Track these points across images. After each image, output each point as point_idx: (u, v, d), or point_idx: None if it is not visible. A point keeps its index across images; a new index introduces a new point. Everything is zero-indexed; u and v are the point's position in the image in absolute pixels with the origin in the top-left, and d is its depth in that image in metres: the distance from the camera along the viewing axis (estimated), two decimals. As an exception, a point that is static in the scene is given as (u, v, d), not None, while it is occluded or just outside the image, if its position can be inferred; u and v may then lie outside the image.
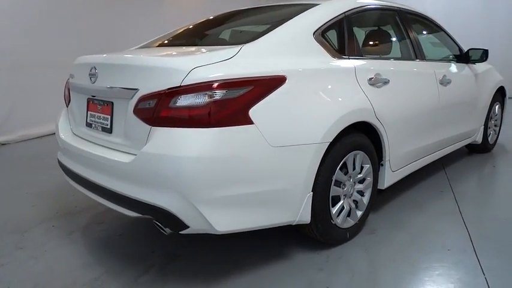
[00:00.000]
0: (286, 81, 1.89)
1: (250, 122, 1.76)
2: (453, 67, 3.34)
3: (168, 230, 1.87)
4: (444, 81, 3.08)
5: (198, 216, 1.73)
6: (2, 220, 2.79)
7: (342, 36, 2.38)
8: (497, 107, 4.16)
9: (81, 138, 2.31)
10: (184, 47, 2.40)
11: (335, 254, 2.24)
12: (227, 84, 1.73)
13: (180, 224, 1.77)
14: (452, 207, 2.85)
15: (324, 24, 2.27)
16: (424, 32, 3.29)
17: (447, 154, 3.43)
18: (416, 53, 2.98)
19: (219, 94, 1.70)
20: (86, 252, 2.34)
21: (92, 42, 6.15)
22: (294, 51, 2.09)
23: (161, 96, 1.74)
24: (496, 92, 4.00)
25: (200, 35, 2.83)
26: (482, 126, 3.90)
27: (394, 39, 2.96)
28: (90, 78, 2.09)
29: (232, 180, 1.76)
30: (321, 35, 2.23)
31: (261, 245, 2.34)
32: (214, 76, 1.73)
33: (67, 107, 2.52)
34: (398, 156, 2.66)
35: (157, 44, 2.72)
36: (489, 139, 4.13)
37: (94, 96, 2.15)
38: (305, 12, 2.28)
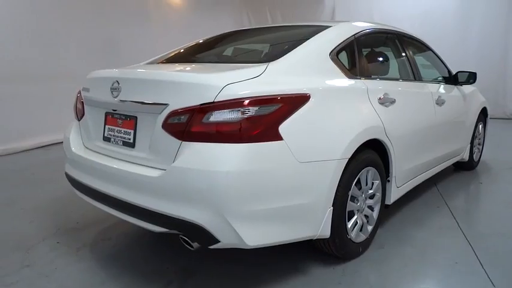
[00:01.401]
0: (310, 99, 1.96)
1: (280, 138, 1.81)
2: (445, 88, 3.52)
3: (195, 245, 1.87)
4: (439, 102, 3.24)
5: (229, 231, 1.75)
6: (1, 237, 2.69)
7: (353, 57, 2.48)
8: (480, 126, 4.38)
9: (96, 152, 2.28)
10: (204, 64, 2.45)
11: (350, 268, 2.28)
12: (259, 101, 1.77)
13: (210, 239, 1.77)
14: (451, 222, 2.96)
15: (338, 45, 2.37)
16: (418, 54, 3.46)
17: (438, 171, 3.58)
18: (415, 74, 3.13)
19: (251, 111, 1.75)
20: (99, 269, 2.28)
21: (82, 57, 6.10)
22: (313, 71, 2.16)
23: (194, 111, 1.77)
24: (479, 113, 4.23)
25: (215, 52, 2.88)
26: (469, 145, 4.10)
27: (396, 60, 3.11)
28: (112, 92, 2.09)
29: (263, 194, 1.79)
30: (336, 55, 2.32)
31: (274, 259, 2.36)
32: (247, 93, 1.77)
33: (78, 120, 2.49)
34: (403, 172, 2.77)
35: (170, 60, 2.74)
36: (474, 157, 4.34)
37: (115, 111, 2.14)
38: (320, 33, 2.38)
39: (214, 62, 2.57)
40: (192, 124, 1.77)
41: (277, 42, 2.65)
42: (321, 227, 2.04)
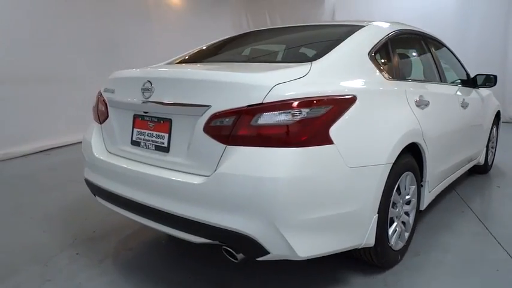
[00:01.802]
0: (357, 101, 1.86)
1: (331, 142, 1.70)
2: (467, 91, 3.46)
3: (240, 256, 1.75)
4: (464, 105, 3.18)
5: (280, 241, 1.63)
6: (15, 249, 2.52)
7: (388, 58, 2.40)
8: (494, 129, 4.35)
9: (122, 157, 2.14)
10: (239, 64, 2.33)
11: (391, 278, 2.18)
12: (310, 103, 1.67)
13: (260, 250, 1.65)
14: (480, 227, 2.89)
15: (375, 45, 2.27)
16: (441, 55, 3.40)
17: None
18: (441, 76, 3.07)
19: (303, 113, 1.64)
20: (124, 282, 2.14)
21: (81, 58, 5.93)
22: (355, 71, 2.07)
23: (241, 113, 1.65)
24: (494, 116, 4.20)
25: (244, 51, 2.75)
26: (485, 148, 4.05)
27: (424, 62, 3.03)
28: (143, 93, 1.96)
29: (315, 202, 1.68)
30: (374, 56, 2.23)
31: (311, 269, 2.25)
32: (296, 94, 1.66)
33: (100, 123, 2.34)
34: (434, 176, 2.69)
35: (196, 60, 2.62)
36: (488, 160, 4.29)
37: (146, 113, 2.01)
38: (356, 33, 2.28)
39: (248, 62, 2.45)
40: (239, 127, 1.66)
41: (310, 42, 2.54)
42: (366, 236, 1.94)
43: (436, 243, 2.61)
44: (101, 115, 2.32)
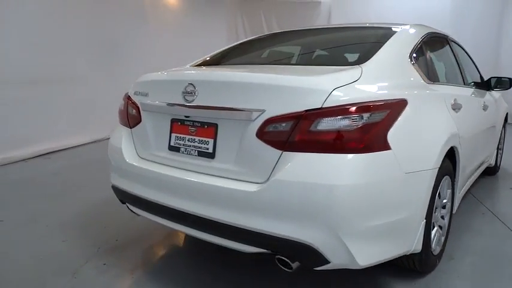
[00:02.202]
0: (407, 105, 1.82)
1: (389, 148, 1.66)
2: (485, 93, 3.48)
3: (295, 265, 1.68)
4: (485, 107, 3.19)
5: (342, 250, 1.58)
6: (38, 260, 2.39)
7: (425, 62, 2.37)
8: (503, 131, 4.40)
9: (158, 163, 2.06)
10: (282, 66, 2.27)
11: (432, 283, 2.16)
12: (370, 108, 1.62)
13: (320, 260, 1.60)
14: (504, 229, 2.90)
15: (413, 48, 2.24)
16: (461, 58, 3.40)
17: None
18: (464, 79, 3.07)
19: (364, 117, 1.59)
20: (164, 294, 2.06)
21: (79, 58, 5.76)
22: (400, 74, 2.04)
23: (299, 118, 1.59)
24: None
25: (280, 53, 2.70)
26: (496, 150, 4.09)
27: (451, 64, 3.03)
28: (185, 96, 1.88)
29: (375, 209, 1.64)
30: (413, 59, 2.20)
31: (348, 276, 2.19)
32: (355, 98, 1.61)
33: (130, 128, 2.24)
34: (462, 179, 2.68)
35: (228, 62, 2.55)
36: (497, 162, 4.34)
37: (187, 117, 1.93)
38: (395, 35, 2.24)
39: (290, 64, 2.39)
40: (297, 132, 1.59)
41: (347, 45, 2.50)
42: (415, 241, 1.90)
43: (466, 246, 2.60)
44: (132, 119, 2.22)
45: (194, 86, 1.85)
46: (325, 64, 2.06)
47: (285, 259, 1.68)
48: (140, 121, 2.16)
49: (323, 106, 1.58)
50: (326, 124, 1.57)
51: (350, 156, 1.56)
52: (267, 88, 1.70)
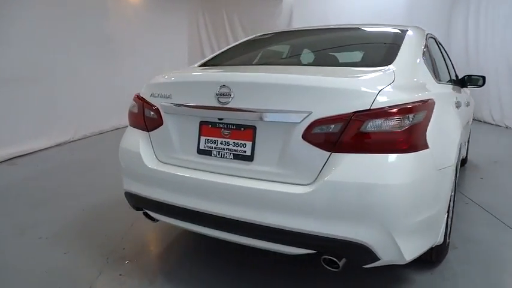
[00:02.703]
0: (435, 104, 1.91)
1: (427, 146, 1.73)
2: (463, 90, 3.71)
3: (341, 264, 1.70)
4: (467, 104, 3.41)
5: (392, 247, 1.63)
6: (42, 274, 2.22)
7: (430, 62, 2.49)
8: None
9: (184, 167, 1.99)
10: (305, 67, 2.26)
11: (446, 271, 2.28)
12: (413, 108, 1.67)
13: (370, 257, 1.64)
14: (490, 218, 3.11)
15: (423, 50, 2.35)
16: (445, 57, 3.60)
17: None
18: (451, 77, 3.26)
19: (410, 118, 1.64)
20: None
21: (46, 57, 5.38)
22: (420, 75, 2.12)
23: (349, 120, 1.61)
24: (471, 113, 4.56)
25: (300, 53, 2.68)
26: (467, 143, 4.39)
27: (443, 63, 3.19)
28: (218, 98, 1.83)
29: (419, 206, 1.70)
30: (424, 60, 2.30)
31: (367, 270, 2.25)
32: (399, 99, 1.66)
33: (148, 131, 2.14)
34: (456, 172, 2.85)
35: (246, 62, 2.52)
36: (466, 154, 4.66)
37: (221, 120, 1.88)
38: (407, 37, 2.33)
39: (314, 65, 2.38)
40: (347, 134, 1.61)
41: (362, 44, 2.55)
42: (440, 234, 2.00)
43: (463, 235, 2.76)
44: (150, 122, 2.12)
45: (229, 88, 1.81)
46: (351, 65, 2.10)
47: (333, 259, 1.70)
48: (161, 124, 2.07)
49: (371, 108, 1.61)
50: (376, 125, 1.60)
51: (400, 155, 1.61)
52: (313, 90, 1.70)
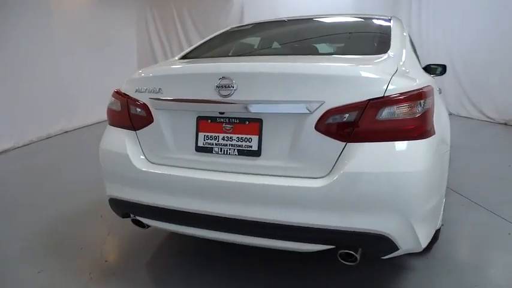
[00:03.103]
0: (433, 90, 1.92)
1: (435, 132, 1.72)
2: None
3: (358, 257, 1.65)
4: (440, 91, 3.53)
5: (411, 235, 1.60)
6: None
7: (413, 50, 2.52)
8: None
9: (180, 167, 1.83)
10: (305, 56, 2.19)
11: (438, 254, 2.30)
12: (423, 95, 1.65)
13: (390, 248, 1.60)
14: (467, 201, 3.15)
15: (407, 38, 2.37)
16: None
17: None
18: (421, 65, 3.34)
19: (421, 104, 1.62)
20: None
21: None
22: (413, 62, 2.12)
23: (364, 108, 1.55)
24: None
25: (290, 43, 2.59)
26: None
27: (415, 52, 3.26)
28: (219, 91, 1.70)
29: (432, 191, 1.68)
30: (411, 48, 2.32)
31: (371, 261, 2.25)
32: (408, 86, 1.62)
33: (134, 130, 1.96)
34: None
35: (236, 53, 2.40)
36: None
37: (222, 114, 1.75)
38: (394, 26, 2.33)
39: (311, 54, 2.29)
40: (362, 122, 1.56)
41: (353, 33, 2.52)
42: (440, 218, 2.03)
43: (446, 218, 2.84)
44: (138, 120, 1.93)
45: (231, 79, 1.68)
46: (351, 53, 2.06)
47: (351, 252, 1.64)
48: (151, 121, 1.89)
49: (385, 95, 1.57)
50: (391, 112, 1.56)
51: (416, 142, 1.58)
52: (324, 78, 1.62)
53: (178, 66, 1.99)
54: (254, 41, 2.71)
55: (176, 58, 2.44)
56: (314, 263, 2.19)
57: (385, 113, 1.56)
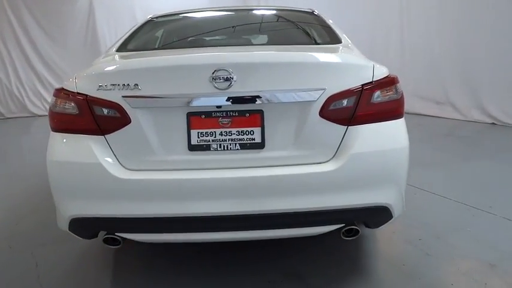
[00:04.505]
0: None
1: None
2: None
3: (360, 231, 1.79)
4: None
5: (401, 203, 1.81)
6: None
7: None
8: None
9: (170, 170, 1.67)
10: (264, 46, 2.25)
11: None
12: (397, 79, 1.85)
13: (388, 217, 1.78)
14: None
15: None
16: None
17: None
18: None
19: (399, 87, 1.82)
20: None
21: None
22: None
23: (360, 93, 1.68)
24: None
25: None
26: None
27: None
28: (215, 83, 1.59)
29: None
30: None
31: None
32: (386, 71, 1.81)
33: (102, 135, 1.66)
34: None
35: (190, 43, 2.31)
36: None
37: (219, 107, 1.64)
38: (323, 17, 2.53)
39: (264, 44, 2.26)
40: (360, 106, 1.68)
41: (288, 25, 2.58)
42: None
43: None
44: (108, 122, 1.65)
45: (228, 71, 1.59)
46: (305, 43, 2.15)
47: (356, 228, 1.77)
48: (128, 123, 1.64)
49: (373, 80, 1.72)
50: (380, 96, 1.73)
51: (400, 121, 1.79)
52: (323, 66, 1.70)
53: (157, 58, 1.76)
54: (198, 30, 2.58)
55: (114, 50, 2.15)
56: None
57: (376, 96, 1.72)
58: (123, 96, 1.63)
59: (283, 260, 2.17)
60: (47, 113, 7.74)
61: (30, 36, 7.97)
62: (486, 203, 2.84)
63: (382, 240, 2.40)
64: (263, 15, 2.84)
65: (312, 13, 2.67)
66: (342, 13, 6.86)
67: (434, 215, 2.72)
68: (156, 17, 2.67)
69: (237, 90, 1.60)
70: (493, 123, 5.71)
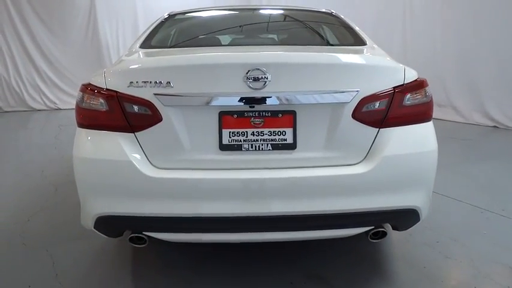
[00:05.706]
0: None
1: None
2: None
3: (388, 233, 1.79)
4: None
5: (428, 206, 1.81)
6: None
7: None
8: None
9: (202, 169, 1.65)
10: (297, 46, 2.18)
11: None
12: (427, 82, 1.84)
13: (416, 220, 1.78)
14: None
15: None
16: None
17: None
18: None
19: (428, 91, 1.81)
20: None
21: None
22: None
23: (392, 95, 1.68)
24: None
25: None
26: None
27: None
28: (249, 83, 1.57)
29: None
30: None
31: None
32: (416, 74, 1.80)
33: (132, 132, 1.64)
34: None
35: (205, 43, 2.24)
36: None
37: (252, 107, 1.62)
38: (346, 19, 2.53)
39: (294, 44, 2.24)
40: (392, 109, 1.68)
41: (319, 24, 2.57)
42: None
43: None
44: (139, 120, 1.63)
45: (263, 71, 1.57)
46: (332, 44, 2.15)
47: (384, 230, 1.76)
48: (159, 120, 1.62)
49: (405, 83, 1.72)
50: (411, 99, 1.72)
51: (430, 124, 1.79)
52: (357, 68, 1.70)
53: (190, 56, 1.74)
54: (222, 28, 2.55)
55: (137, 46, 2.12)
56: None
57: (407, 99, 1.72)
58: (154, 94, 1.61)
59: (302, 261, 2.17)
60: (45, 108, 7.71)
61: (30, 29, 7.87)
62: (498, 206, 2.87)
63: (400, 242, 2.40)
64: (285, 15, 2.82)
65: (331, 14, 2.66)
66: (342, 13, 6.89)
67: (448, 218, 2.73)
68: (175, 14, 2.64)
69: (271, 90, 1.59)
70: (494, 126, 5.77)
